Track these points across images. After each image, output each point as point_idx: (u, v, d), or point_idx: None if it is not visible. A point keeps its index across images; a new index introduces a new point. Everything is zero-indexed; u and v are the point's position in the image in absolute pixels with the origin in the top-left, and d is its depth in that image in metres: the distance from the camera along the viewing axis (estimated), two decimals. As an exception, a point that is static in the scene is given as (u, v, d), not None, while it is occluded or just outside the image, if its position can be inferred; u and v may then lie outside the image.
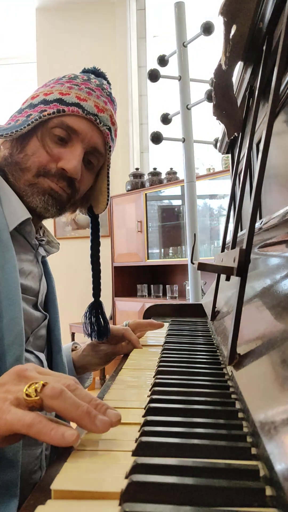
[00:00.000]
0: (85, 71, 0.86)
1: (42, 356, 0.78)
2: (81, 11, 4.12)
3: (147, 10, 4.14)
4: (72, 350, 0.97)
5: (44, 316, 0.80)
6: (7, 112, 0.82)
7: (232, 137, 0.97)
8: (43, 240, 0.84)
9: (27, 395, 0.39)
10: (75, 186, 0.78)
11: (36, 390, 0.39)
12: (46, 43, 4.20)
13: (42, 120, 0.74)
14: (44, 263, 0.85)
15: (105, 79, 0.86)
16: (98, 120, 0.77)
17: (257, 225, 0.72)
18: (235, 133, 0.92)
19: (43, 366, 0.76)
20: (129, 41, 4.01)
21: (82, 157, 0.76)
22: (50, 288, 0.85)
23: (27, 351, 0.72)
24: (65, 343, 0.94)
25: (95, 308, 0.93)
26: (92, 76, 0.82)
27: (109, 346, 0.93)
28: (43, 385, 0.40)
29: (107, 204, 0.87)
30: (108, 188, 0.86)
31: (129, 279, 3.76)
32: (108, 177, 0.85)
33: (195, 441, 0.36)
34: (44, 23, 4.21)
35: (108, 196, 0.86)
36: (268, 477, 0.30)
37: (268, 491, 0.29)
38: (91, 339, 0.93)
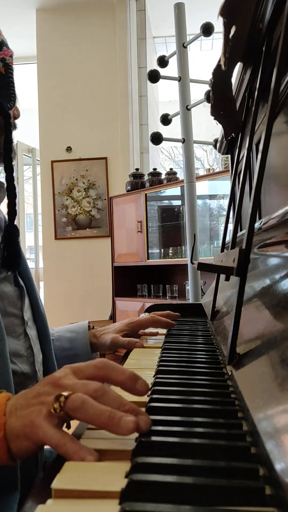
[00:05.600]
0: None
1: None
2: (81, 11, 4.12)
3: (147, 11, 4.14)
4: (89, 328, 0.96)
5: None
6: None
7: (229, 138, 0.97)
8: None
9: (54, 409, 0.41)
10: None
11: (60, 404, 0.40)
12: (46, 43, 4.20)
13: None
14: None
15: None
16: None
17: (257, 225, 0.73)
18: (232, 134, 0.92)
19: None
20: (129, 42, 4.02)
21: None
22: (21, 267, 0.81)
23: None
24: None
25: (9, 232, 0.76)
26: None
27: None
28: (66, 398, 0.41)
29: None
30: None
31: (129, 279, 3.76)
32: None
33: (195, 440, 0.36)
34: (44, 24, 4.21)
35: None
36: (268, 476, 0.30)
37: (268, 491, 0.29)
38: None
